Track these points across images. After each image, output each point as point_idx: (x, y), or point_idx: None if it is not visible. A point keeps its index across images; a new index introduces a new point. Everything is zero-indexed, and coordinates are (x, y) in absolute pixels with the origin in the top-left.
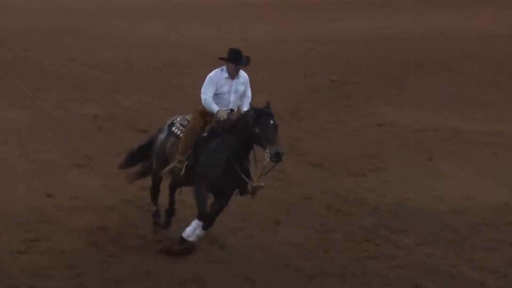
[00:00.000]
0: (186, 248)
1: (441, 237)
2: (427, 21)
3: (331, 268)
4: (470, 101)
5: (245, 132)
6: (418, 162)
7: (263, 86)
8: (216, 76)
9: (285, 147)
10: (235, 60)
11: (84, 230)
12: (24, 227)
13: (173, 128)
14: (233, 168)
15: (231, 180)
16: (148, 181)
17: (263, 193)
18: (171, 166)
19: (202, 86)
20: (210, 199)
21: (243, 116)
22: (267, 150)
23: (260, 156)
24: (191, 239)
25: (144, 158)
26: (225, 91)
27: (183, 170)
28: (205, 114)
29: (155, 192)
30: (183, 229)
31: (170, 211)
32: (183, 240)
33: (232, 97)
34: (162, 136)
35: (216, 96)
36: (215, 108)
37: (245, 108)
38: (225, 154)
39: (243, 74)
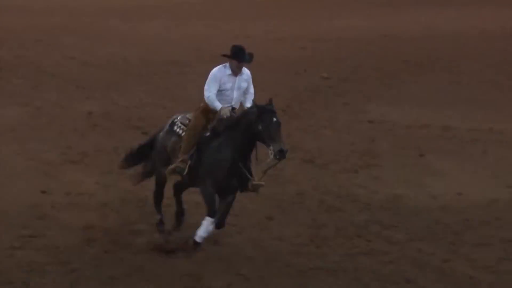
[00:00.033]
0: (181, 246)
1: (432, 233)
2: (425, 20)
3: (323, 264)
4: (460, 98)
5: (248, 129)
6: (410, 159)
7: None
8: (220, 73)
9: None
10: (238, 57)
11: (79, 226)
12: (20, 224)
13: (175, 127)
14: (237, 166)
15: (235, 178)
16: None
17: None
18: (173, 165)
19: (204, 82)
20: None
21: (246, 113)
22: (271, 148)
23: (261, 154)
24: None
25: (144, 158)
26: (228, 88)
27: (186, 169)
28: (207, 112)
29: (158, 197)
30: (195, 233)
31: (180, 213)
32: (196, 244)
33: (235, 94)
34: (163, 135)
35: (219, 92)
36: (218, 105)
37: (248, 104)
38: (229, 152)
39: (245, 71)
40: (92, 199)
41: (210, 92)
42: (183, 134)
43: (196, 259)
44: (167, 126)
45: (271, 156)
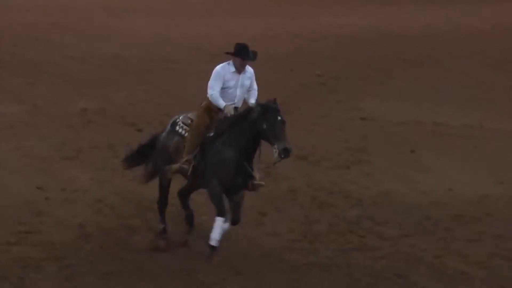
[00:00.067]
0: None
1: (423, 228)
2: (418, 18)
3: (316, 259)
4: (451, 95)
5: (253, 128)
6: (402, 156)
7: None
8: (223, 70)
9: None
10: (242, 55)
11: (74, 222)
12: (15, 219)
13: (177, 127)
14: (241, 165)
15: (240, 177)
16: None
17: None
18: (177, 166)
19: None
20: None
21: (250, 111)
22: (275, 146)
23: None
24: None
25: (145, 158)
26: (231, 86)
27: (190, 170)
28: (210, 111)
29: (162, 203)
30: (209, 238)
31: (189, 217)
32: (213, 248)
33: (238, 92)
34: (165, 136)
35: (222, 90)
36: (222, 103)
37: (253, 100)
38: (233, 151)
39: (249, 68)
40: (87, 195)
41: (213, 90)
42: (186, 134)
43: (190, 255)
44: (168, 126)
45: (276, 155)
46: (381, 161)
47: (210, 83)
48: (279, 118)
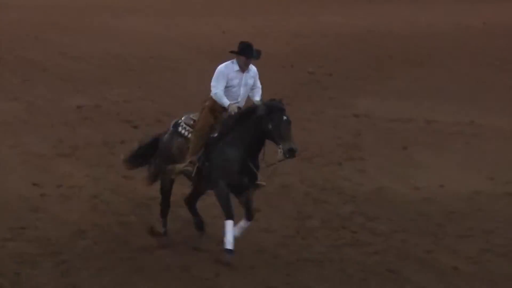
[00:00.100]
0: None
1: (415, 224)
2: (409, 17)
3: (309, 255)
4: (443, 93)
5: (258, 127)
6: (393, 152)
7: None
8: (227, 69)
9: None
10: (246, 53)
11: (70, 218)
12: (11, 215)
13: (179, 129)
14: (247, 164)
15: (246, 176)
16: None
17: None
18: (182, 167)
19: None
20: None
21: (254, 109)
22: (281, 146)
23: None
24: (235, 238)
25: (147, 159)
26: (235, 84)
27: (194, 171)
28: (214, 111)
29: (165, 206)
30: (223, 243)
31: (199, 224)
32: (229, 251)
33: (242, 91)
34: (167, 137)
35: (226, 89)
36: (226, 102)
37: (257, 97)
38: (238, 151)
39: (252, 67)
40: (82, 191)
41: (217, 89)
42: (189, 135)
43: (184, 250)
44: (170, 128)
45: (280, 155)
46: (374, 157)
47: (214, 82)
48: (284, 118)
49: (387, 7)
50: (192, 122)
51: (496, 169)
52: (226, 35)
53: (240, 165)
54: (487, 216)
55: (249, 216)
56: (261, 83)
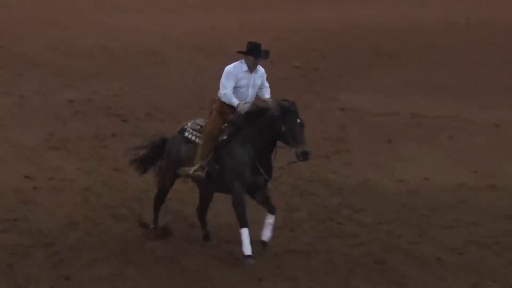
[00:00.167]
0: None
1: (400, 216)
2: (393, 12)
3: (296, 246)
4: (428, 87)
5: (271, 129)
6: (379, 145)
7: None
8: (236, 69)
9: None
10: (255, 53)
11: (61, 210)
12: (4, 208)
13: (186, 134)
14: (261, 163)
15: (259, 175)
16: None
17: None
18: (191, 172)
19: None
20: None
21: (265, 110)
22: (294, 150)
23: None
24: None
25: (152, 163)
26: (243, 85)
27: (204, 176)
28: (223, 113)
29: (158, 200)
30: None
31: (207, 236)
32: (249, 257)
33: (250, 91)
34: (173, 143)
35: (234, 89)
36: (235, 101)
37: (267, 95)
38: (250, 151)
39: (260, 68)
40: (74, 184)
41: (226, 89)
42: (197, 140)
43: (174, 242)
44: (176, 135)
45: (295, 158)
46: (360, 151)
47: (223, 82)
48: (298, 120)
49: (373, 3)
50: (199, 127)
51: (480, 162)
52: (214, 31)
53: (252, 166)
54: (470, 208)
55: (272, 210)
56: None
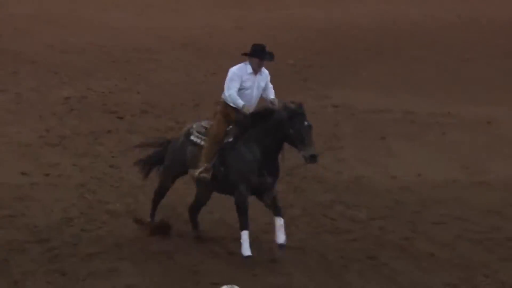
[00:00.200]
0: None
1: (393, 212)
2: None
3: (290, 242)
4: (420, 84)
5: (278, 131)
6: (372, 142)
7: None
8: (240, 71)
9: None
10: (259, 56)
11: (57, 206)
12: (1, 204)
13: (192, 137)
14: (268, 164)
15: (268, 176)
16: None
17: None
18: (197, 175)
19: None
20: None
21: (272, 112)
22: (302, 153)
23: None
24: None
25: (157, 164)
26: (248, 87)
27: (209, 177)
28: (227, 115)
29: (158, 196)
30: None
31: (199, 237)
32: (248, 257)
33: (255, 93)
34: (178, 146)
35: (239, 91)
36: (240, 103)
37: (272, 96)
38: (256, 153)
39: (264, 70)
40: (69, 180)
41: (231, 90)
42: (203, 142)
43: (168, 238)
44: (181, 137)
45: (303, 161)
46: (353, 147)
47: (227, 83)
48: (306, 123)
49: (365, 1)
50: (204, 130)
51: (471, 158)
52: (209, 28)
53: (258, 167)
54: (462, 204)
55: (278, 212)
56: None
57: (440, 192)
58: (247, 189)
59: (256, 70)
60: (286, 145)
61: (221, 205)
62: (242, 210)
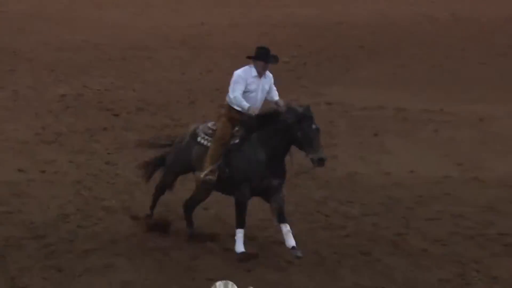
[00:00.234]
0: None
1: (386, 208)
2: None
3: None
4: (413, 81)
5: (286, 134)
6: (365, 139)
7: (220, 69)
8: (245, 74)
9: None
10: (264, 58)
11: (54, 202)
12: None
13: (198, 138)
14: (274, 166)
15: (274, 178)
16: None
17: None
18: (202, 177)
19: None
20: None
21: (279, 114)
22: (310, 156)
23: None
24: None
25: (160, 166)
26: (253, 90)
27: (215, 179)
28: (232, 118)
29: (159, 190)
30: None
31: (193, 234)
32: (242, 254)
33: (259, 96)
34: (183, 147)
35: (244, 94)
36: (245, 104)
37: (276, 97)
38: (262, 154)
39: (268, 73)
40: (66, 177)
41: (236, 92)
42: (209, 144)
43: (164, 235)
44: (187, 138)
45: (310, 164)
46: (346, 144)
47: (232, 86)
48: (314, 126)
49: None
50: (210, 131)
51: (464, 155)
52: (203, 26)
53: (263, 168)
54: (455, 200)
55: (283, 220)
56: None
57: (433, 188)
58: (249, 190)
59: (261, 73)
60: (294, 149)
61: (215, 202)
62: (241, 209)
